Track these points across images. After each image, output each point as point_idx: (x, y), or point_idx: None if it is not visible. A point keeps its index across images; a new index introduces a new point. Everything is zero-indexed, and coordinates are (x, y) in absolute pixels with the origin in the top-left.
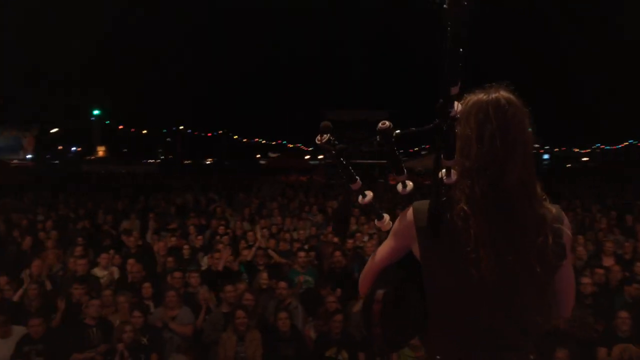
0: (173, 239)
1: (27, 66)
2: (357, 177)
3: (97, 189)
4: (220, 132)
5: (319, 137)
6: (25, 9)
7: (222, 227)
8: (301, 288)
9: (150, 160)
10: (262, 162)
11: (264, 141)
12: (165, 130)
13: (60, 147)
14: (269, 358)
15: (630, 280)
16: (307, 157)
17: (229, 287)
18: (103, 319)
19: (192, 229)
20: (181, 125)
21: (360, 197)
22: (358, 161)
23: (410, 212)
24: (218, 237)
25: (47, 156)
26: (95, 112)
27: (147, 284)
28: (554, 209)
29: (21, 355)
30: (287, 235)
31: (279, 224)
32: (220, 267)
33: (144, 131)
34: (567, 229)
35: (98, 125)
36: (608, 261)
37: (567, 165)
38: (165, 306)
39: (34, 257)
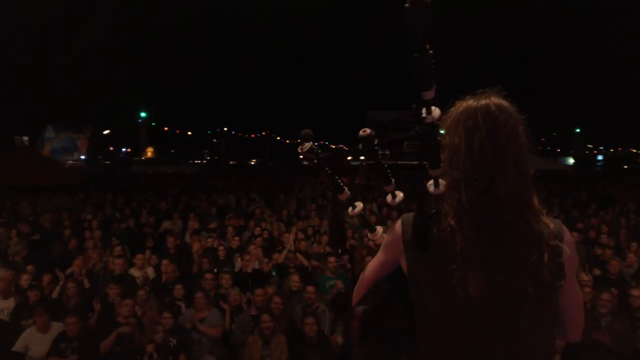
0: (210, 239)
1: (75, 68)
2: (345, 187)
3: (144, 189)
4: (264, 133)
5: (301, 146)
6: (70, 9)
7: (257, 229)
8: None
9: (197, 161)
10: (305, 163)
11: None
12: (209, 132)
13: (111, 148)
14: None
15: None
16: (349, 157)
17: (258, 291)
18: (135, 318)
19: (230, 229)
20: (225, 127)
21: (350, 209)
22: (401, 162)
23: (398, 224)
24: (253, 239)
25: (99, 157)
26: (142, 114)
27: (178, 286)
28: (552, 224)
29: (57, 351)
30: (325, 238)
31: (315, 226)
32: (249, 269)
33: (189, 132)
34: (567, 247)
35: (144, 127)
36: None
37: (624, 167)
38: (194, 308)
39: (77, 256)
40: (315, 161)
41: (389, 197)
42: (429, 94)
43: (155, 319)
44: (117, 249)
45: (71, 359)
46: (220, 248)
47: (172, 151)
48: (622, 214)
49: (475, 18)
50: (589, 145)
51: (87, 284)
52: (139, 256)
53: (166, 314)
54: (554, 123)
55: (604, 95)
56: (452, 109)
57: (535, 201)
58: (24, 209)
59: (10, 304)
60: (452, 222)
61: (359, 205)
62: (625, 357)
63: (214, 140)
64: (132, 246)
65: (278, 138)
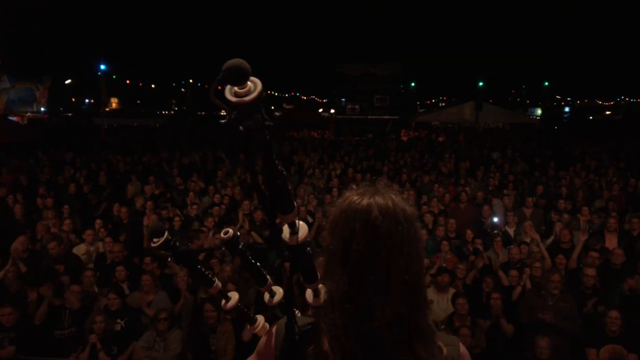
0: (164, 211)
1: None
2: (215, 279)
3: (106, 146)
4: None
5: (153, 241)
6: None
7: (217, 196)
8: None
9: (164, 112)
10: (276, 113)
11: (276, 93)
12: (174, 84)
13: (73, 99)
14: (242, 350)
15: (633, 271)
16: (321, 110)
17: None
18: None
19: (191, 195)
20: (190, 79)
21: (223, 302)
22: (370, 117)
23: (273, 333)
24: (210, 211)
25: (60, 108)
26: (102, 67)
27: (120, 267)
28: (447, 348)
29: None
30: None
31: None
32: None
33: (153, 85)
34: None
35: (105, 80)
36: (611, 242)
37: (589, 118)
38: (140, 290)
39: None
40: (169, 259)
41: (266, 296)
42: (291, 217)
43: (96, 307)
44: (67, 222)
45: (8, 350)
46: (176, 219)
47: (138, 102)
48: (584, 171)
49: None
50: (557, 97)
51: (23, 268)
52: (89, 232)
53: (112, 295)
54: (524, 76)
55: (572, 46)
56: (339, 200)
57: (427, 321)
58: None
59: None
60: (325, 346)
61: (234, 297)
62: (570, 334)
63: (182, 90)
64: (85, 215)
65: None
